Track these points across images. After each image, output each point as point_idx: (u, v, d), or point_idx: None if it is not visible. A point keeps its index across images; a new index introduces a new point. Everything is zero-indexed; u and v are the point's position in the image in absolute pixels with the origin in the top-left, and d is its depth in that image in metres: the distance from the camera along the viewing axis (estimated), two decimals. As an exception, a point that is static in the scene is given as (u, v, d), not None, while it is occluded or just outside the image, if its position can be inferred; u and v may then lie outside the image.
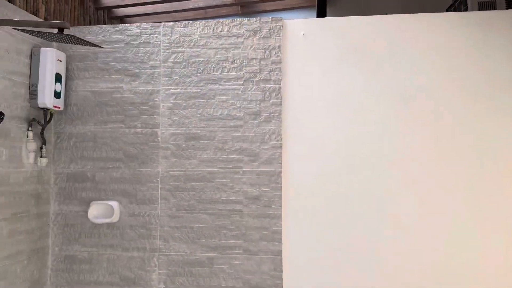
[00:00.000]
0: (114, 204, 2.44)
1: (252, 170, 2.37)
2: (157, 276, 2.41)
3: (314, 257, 2.32)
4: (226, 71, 2.43)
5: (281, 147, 2.36)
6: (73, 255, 2.48)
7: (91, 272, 2.46)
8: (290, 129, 2.37)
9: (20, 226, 2.23)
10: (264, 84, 2.39)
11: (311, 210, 2.34)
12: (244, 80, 2.41)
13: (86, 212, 2.46)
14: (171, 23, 2.49)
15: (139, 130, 2.48)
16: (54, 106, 2.38)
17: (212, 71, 2.44)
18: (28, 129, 2.29)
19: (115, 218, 2.43)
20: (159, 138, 2.46)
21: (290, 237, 2.34)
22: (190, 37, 2.46)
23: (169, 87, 2.46)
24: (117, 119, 2.50)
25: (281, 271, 2.32)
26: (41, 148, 2.41)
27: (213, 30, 2.45)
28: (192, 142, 2.43)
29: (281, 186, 2.35)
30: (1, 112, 1.81)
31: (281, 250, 2.33)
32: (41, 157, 2.40)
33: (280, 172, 2.35)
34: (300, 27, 2.41)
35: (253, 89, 2.40)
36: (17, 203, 2.21)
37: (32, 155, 2.32)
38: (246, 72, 2.41)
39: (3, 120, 1.98)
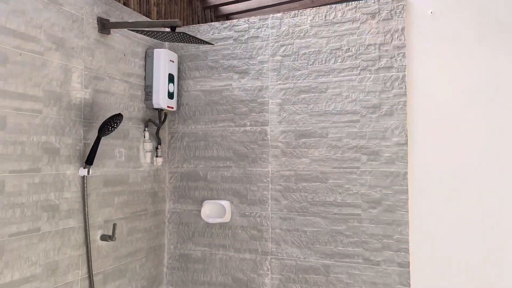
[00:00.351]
0: (226, 203, 2.39)
1: (372, 170, 2.12)
2: (270, 280, 2.30)
3: (448, 272, 1.98)
4: (339, 60, 2.20)
5: (406, 144, 2.06)
6: (188, 254, 2.49)
7: (205, 272, 2.45)
8: (416, 124, 2.06)
9: (138, 224, 2.30)
10: (384, 73, 2.12)
11: (443, 217, 2.00)
12: (361, 70, 2.16)
13: (199, 211, 2.45)
14: (280, 14, 2.35)
15: (248, 128, 2.39)
16: (168, 107, 2.40)
17: (323, 62, 2.23)
18: (144, 130, 2.36)
19: (227, 218, 2.38)
20: (269, 136, 2.34)
21: (418, 247, 2.03)
22: (299, 27, 2.29)
23: (278, 82, 2.32)
24: (226, 117, 2.44)
25: (409, 285, 2.03)
26: (157, 148, 2.46)
27: (325, 17, 2.24)
28: (303, 139, 2.26)
29: (407, 189, 2.05)
30: (119, 114, 1.85)
31: (409, 262, 2.03)
32: (157, 156, 2.46)
33: (406, 173, 2.05)
34: (428, 4, 2.07)
35: (371, 79, 2.14)
36: (136, 202, 2.28)
37: (148, 155, 2.38)
38: (363, 61, 2.16)
39: (122, 122, 2.04)
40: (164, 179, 2.54)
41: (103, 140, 2.04)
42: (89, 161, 1.87)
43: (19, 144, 1.60)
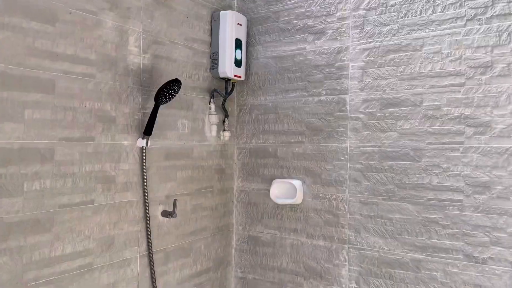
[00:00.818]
0: (297, 183, 2.13)
1: (479, 146, 1.69)
2: (347, 272, 2.00)
3: None
4: (439, 10, 1.78)
5: (528, 112, 1.59)
6: (256, 236, 2.29)
7: (274, 256, 2.23)
8: (545, 85, 1.58)
9: (204, 201, 2.14)
10: (499, 22, 1.65)
11: None
12: (467, 20, 1.71)
13: (268, 190, 2.22)
14: (363, -40, 1.98)
15: (323, 98, 2.08)
16: (235, 76, 2.19)
17: (418, 13, 1.82)
18: (210, 101, 2.17)
19: (298, 199, 2.12)
20: (348, 107, 2.01)
21: (543, 245, 1.58)
22: (387, -26, 1.90)
23: (361, 41, 1.97)
24: (299, 86, 2.16)
25: (526, 293, 1.59)
26: (224, 121, 2.27)
27: (420, -43, 1.82)
28: (390, 109, 1.89)
29: (527, 170, 1.60)
30: (177, 79, 1.67)
31: (527, 263, 1.59)
32: (224, 130, 2.27)
33: (527, 150, 1.60)
34: None
35: (481, 30, 1.69)
36: (201, 178, 2.12)
37: (214, 128, 2.20)
38: (470, 8, 1.71)
39: (181, 90, 1.87)
40: (231, 155, 2.35)
41: (165, 110, 1.89)
42: (147, 131, 1.74)
43: (70, 110, 1.49)
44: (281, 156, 2.22)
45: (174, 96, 1.73)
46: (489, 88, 1.67)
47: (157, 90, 1.69)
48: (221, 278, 2.26)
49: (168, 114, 1.92)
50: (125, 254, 1.72)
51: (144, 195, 1.78)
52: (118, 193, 1.68)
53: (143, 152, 1.76)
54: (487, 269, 1.67)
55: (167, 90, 1.67)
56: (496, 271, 1.65)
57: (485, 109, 1.68)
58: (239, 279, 2.35)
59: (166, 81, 1.67)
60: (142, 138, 1.75)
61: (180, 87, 1.73)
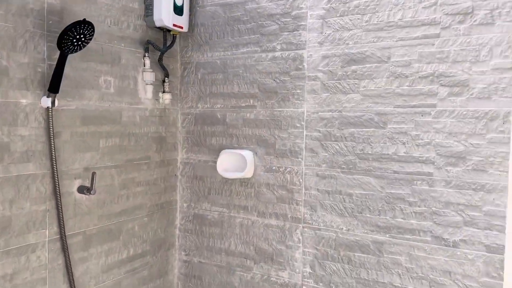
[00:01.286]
0: (248, 154, 1.84)
1: (454, 109, 1.43)
2: (301, 255, 1.75)
3: None
4: None
5: (513, 68, 1.33)
6: (203, 215, 2.00)
7: (222, 237, 1.95)
8: (535, 35, 1.31)
9: (138, 176, 1.82)
10: (484, -43, 1.36)
11: None
12: (446, -44, 1.42)
13: (216, 162, 1.93)
14: None
15: (278, 53, 1.77)
16: (175, 25, 1.84)
17: (388, -51, 1.51)
18: (144, 56, 1.83)
19: (248, 172, 1.83)
20: (305, 64, 1.70)
21: (522, 226, 1.35)
22: None
23: (321, -15, 1.65)
24: (250, 40, 1.83)
25: (500, 278, 1.37)
26: (163, 81, 1.94)
27: None
28: (353, 67, 1.60)
29: (509, 138, 1.35)
30: (85, 20, 1.32)
31: (503, 246, 1.36)
32: (163, 92, 1.94)
33: (509, 113, 1.34)
34: None
35: (461, -31, 1.40)
36: (133, 147, 1.79)
37: (150, 89, 1.86)
38: None
39: (105, 40, 1.52)
40: (174, 122, 2.03)
41: (81, 63, 1.54)
42: (53, 88, 1.39)
43: None
44: (230, 123, 1.92)
45: (86, 43, 1.38)
46: (468, 40, 1.39)
47: (59, 34, 1.33)
48: (161, 262, 1.98)
49: (86, 68, 1.57)
50: (28, 239, 1.40)
51: (52, 167, 1.45)
52: (15, 164, 1.35)
53: (49, 114, 1.42)
54: (458, 253, 1.44)
55: (73, 35, 1.32)
56: (468, 256, 1.42)
57: (463, 65, 1.40)
58: (183, 263, 2.07)
59: (71, 23, 1.31)
60: (47, 97, 1.41)
61: (93, 32, 1.38)
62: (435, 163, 1.46)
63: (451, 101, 1.43)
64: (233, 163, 1.89)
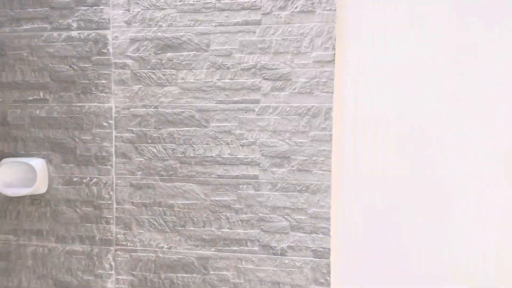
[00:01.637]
0: (38, 163, 1.41)
1: (278, 105, 1.30)
2: (114, 285, 1.42)
3: (391, 263, 1.29)
4: None
5: (333, 61, 1.26)
6: (-21, 246, 1.49)
7: (10, 273, 1.48)
8: (350, 29, 1.25)
9: None
10: None
11: (386, 177, 1.28)
12: None
13: (-5, 176, 1.44)
14: None
15: (75, 33, 1.39)
16: None
17: None
18: None
19: (40, 187, 1.41)
20: (110, 48, 1.37)
21: (346, 226, 1.30)
22: None
23: (126, -49, 1.34)
24: (37, 14, 1.40)
25: (328, 284, 1.31)
26: None
27: None
28: (169, 54, 1.34)
29: (330, 135, 1.28)
30: None
31: (329, 249, 1.30)
32: None
33: (330, 109, 1.27)
34: None
35: (281, -50, 1.26)
36: None
37: None
38: None
39: None
40: None
41: None
42: None
43: None
44: (13, 122, 1.45)
45: None
46: (290, 29, 1.27)
47: None
48: None
49: None
50: None
51: None
52: None
53: None
54: (286, 261, 1.32)
55: None
56: (296, 263, 1.32)
57: (285, 56, 1.28)
58: (-49, 315, 1.51)
59: None
60: None
61: None
62: (261, 165, 1.32)
63: (274, 97, 1.29)
64: (19, 176, 1.44)
